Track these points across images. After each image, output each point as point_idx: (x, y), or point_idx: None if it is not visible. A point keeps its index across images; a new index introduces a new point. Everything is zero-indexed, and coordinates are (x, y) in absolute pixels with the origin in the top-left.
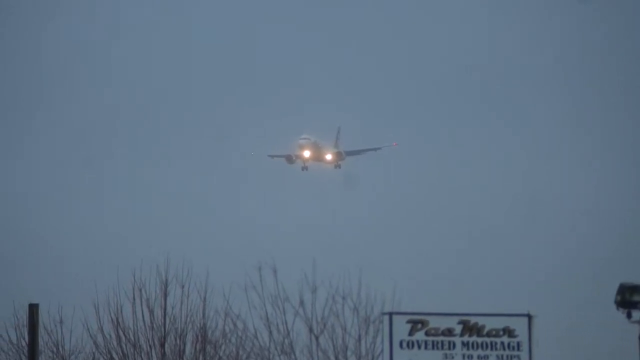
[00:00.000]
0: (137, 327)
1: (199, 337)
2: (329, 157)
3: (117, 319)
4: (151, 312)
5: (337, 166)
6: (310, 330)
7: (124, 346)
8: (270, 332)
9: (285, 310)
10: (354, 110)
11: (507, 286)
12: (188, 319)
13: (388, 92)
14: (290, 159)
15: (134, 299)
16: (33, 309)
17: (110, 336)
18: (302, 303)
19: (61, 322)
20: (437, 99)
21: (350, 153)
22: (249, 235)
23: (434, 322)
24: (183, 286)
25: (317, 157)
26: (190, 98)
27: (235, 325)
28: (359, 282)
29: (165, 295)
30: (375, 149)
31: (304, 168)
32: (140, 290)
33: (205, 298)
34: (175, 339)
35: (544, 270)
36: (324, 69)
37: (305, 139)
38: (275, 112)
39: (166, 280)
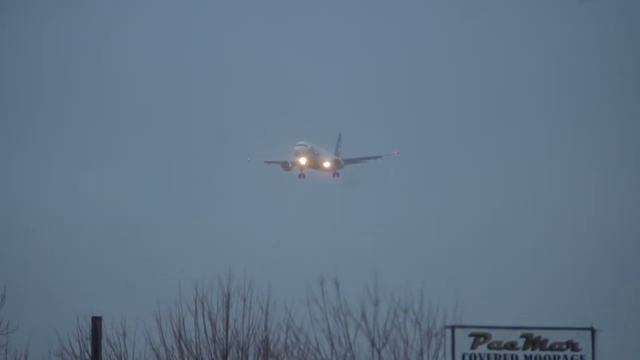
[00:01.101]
0: (199, 340)
1: (261, 350)
2: (326, 164)
3: (179, 332)
4: (213, 325)
5: (336, 174)
6: (372, 343)
7: (186, 359)
8: (332, 346)
9: (347, 324)
10: (356, 116)
11: (570, 299)
12: (250, 332)
13: (391, 98)
14: (286, 166)
15: (196, 311)
16: (96, 321)
17: (172, 349)
18: (364, 316)
19: (124, 334)
20: (439, 101)
21: (349, 161)
22: (310, 248)
23: (497, 336)
24: (245, 299)
25: (314, 165)
26: (190, 98)
27: (297, 338)
28: (421, 295)
29: (228, 308)
30: (375, 157)
31: (301, 176)
32: (203, 303)
33: (267, 311)
34: (238, 352)
35: (608, 283)
36: (328, 73)
37: (301, 145)
38: (280, 116)
39: (228, 293)
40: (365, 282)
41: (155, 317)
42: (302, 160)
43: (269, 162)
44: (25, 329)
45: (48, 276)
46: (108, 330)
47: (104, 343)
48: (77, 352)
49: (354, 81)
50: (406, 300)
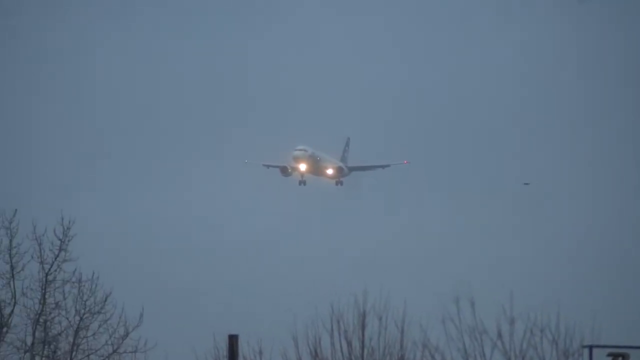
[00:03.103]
0: (335, 358)
1: None
2: (329, 171)
3: (315, 350)
4: (349, 343)
5: (339, 182)
6: None
7: None
8: None
9: (483, 343)
10: (367, 121)
11: None
12: (386, 350)
13: (404, 105)
14: (285, 171)
15: (332, 330)
16: (233, 339)
17: None
18: (500, 335)
19: (260, 353)
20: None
21: (354, 169)
22: (444, 266)
23: (636, 356)
24: (380, 317)
25: (316, 171)
26: (189, 98)
27: (433, 357)
28: (558, 314)
29: (363, 327)
30: (383, 166)
31: (302, 182)
32: (339, 321)
33: (403, 329)
34: None
35: None
36: (341, 78)
37: (301, 150)
38: (288, 117)
39: (364, 311)
40: (501, 301)
41: (291, 335)
42: (302, 167)
43: (267, 166)
44: (163, 347)
45: (186, 294)
46: (244, 349)
47: None
48: None
49: (368, 85)
50: (542, 319)
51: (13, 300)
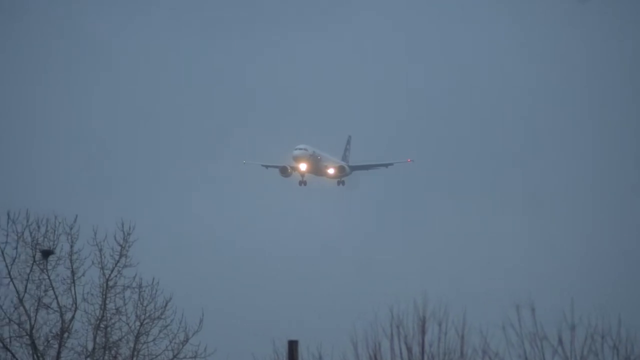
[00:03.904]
0: None
1: None
2: (330, 171)
3: (375, 356)
4: (409, 349)
5: (341, 182)
6: None
7: None
8: None
9: (543, 349)
10: (370, 118)
11: None
12: (446, 357)
13: (407, 101)
14: (285, 171)
15: (392, 335)
16: (293, 345)
17: None
18: (560, 341)
19: (320, 358)
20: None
21: (356, 168)
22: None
23: None
24: (440, 323)
25: (316, 171)
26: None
27: None
28: (619, 320)
29: (423, 333)
30: (386, 165)
31: (302, 182)
32: (398, 327)
33: (463, 335)
34: None
35: None
36: (342, 74)
37: (301, 149)
38: (287, 116)
39: (424, 317)
40: (562, 308)
41: (351, 340)
42: (302, 166)
43: (267, 166)
44: (222, 352)
45: (245, 300)
46: (304, 354)
47: None
48: None
49: (368, 82)
50: (603, 325)
51: (74, 305)
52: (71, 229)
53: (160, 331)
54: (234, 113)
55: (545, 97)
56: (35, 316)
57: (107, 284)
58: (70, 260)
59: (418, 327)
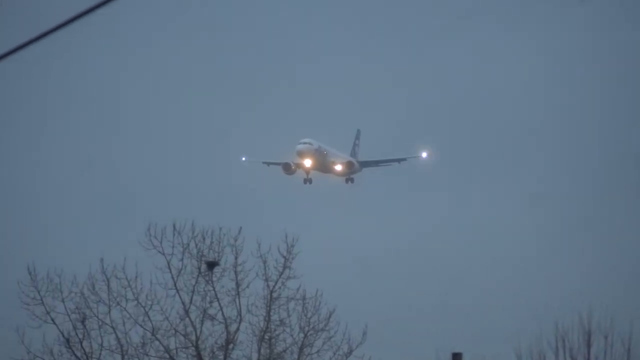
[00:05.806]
0: None
1: None
2: (338, 167)
3: None
4: None
5: (350, 180)
6: None
7: None
8: None
9: None
10: (380, 111)
11: None
12: None
13: (421, 94)
14: (288, 168)
15: (557, 349)
16: (457, 358)
17: None
18: None
19: None
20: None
21: (366, 164)
22: None
23: None
24: (606, 336)
25: (323, 167)
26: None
27: None
28: None
29: (589, 346)
30: (399, 160)
31: (307, 180)
32: (564, 340)
33: (629, 348)
34: None
35: None
36: (350, 65)
37: (305, 143)
38: (294, 109)
39: (589, 330)
40: None
41: (515, 353)
42: (307, 162)
43: (268, 164)
44: None
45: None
46: None
47: None
48: None
49: (378, 75)
50: None
51: (239, 317)
52: (235, 240)
53: (324, 343)
54: (234, 111)
55: (548, 96)
56: (201, 327)
57: (271, 296)
58: (235, 271)
59: (583, 340)
